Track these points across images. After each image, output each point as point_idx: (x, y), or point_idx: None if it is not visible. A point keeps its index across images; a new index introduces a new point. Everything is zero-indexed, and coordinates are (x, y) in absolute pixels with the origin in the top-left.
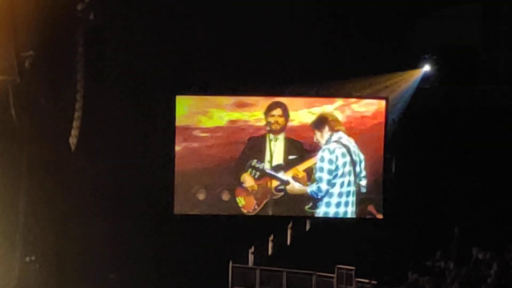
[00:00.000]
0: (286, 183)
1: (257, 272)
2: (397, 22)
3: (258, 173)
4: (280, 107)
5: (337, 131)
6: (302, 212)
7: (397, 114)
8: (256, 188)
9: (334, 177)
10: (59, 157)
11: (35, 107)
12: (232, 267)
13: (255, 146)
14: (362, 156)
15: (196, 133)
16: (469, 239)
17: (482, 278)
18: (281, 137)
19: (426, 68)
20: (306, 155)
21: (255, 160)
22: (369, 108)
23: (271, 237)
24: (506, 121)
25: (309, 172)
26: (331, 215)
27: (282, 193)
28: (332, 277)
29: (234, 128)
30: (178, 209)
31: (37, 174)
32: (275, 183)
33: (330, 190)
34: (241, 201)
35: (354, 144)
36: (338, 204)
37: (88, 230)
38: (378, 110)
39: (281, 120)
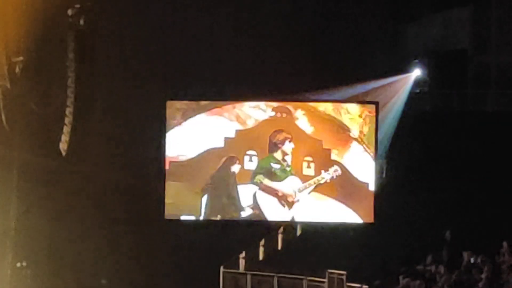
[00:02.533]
0: None
1: (248, 277)
2: (388, 26)
3: None
4: None
5: None
6: None
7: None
8: None
9: None
10: (50, 163)
11: (26, 112)
12: (223, 272)
13: None
14: None
15: None
16: (460, 243)
17: (473, 282)
18: None
19: (417, 72)
20: None
21: None
22: None
23: (262, 242)
24: (497, 126)
25: None
26: None
27: None
28: (323, 282)
29: None
30: (169, 214)
31: (28, 179)
32: None
33: None
34: None
35: None
36: None
37: (79, 235)
38: None
39: None
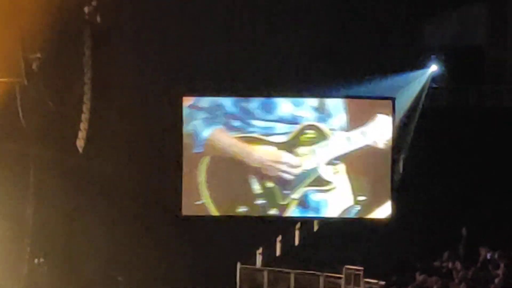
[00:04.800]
0: None
1: (265, 273)
2: (405, 22)
3: None
4: None
5: None
6: None
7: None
8: None
9: None
10: (66, 159)
11: (43, 109)
12: (240, 268)
13: None
14: None
15: None
16: (476, 239)
17: (489, 278)
18: None
19: (434, 68)
20: None
21: None
22: None
23: (279, 238)
24: None
25: None
26: None
27: None
28: (340, 278)
29: None
30: (186, 210)
31: (44, 176)
32: None
33: None
34: None
35: None
36: None
37: (96, 232)
38: None
39: None
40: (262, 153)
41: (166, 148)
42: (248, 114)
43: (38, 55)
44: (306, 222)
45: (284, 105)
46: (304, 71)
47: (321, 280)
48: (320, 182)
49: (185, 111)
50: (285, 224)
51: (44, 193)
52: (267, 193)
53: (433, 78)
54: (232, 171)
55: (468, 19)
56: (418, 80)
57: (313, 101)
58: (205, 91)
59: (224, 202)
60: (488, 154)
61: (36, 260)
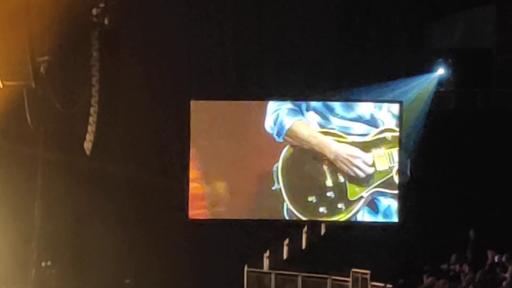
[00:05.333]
0: None
1: (272, 276)
2: (412, 25)
3: None
4: None
5: None
6: None
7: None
8: None
9: None
10: (74, 162)
11: (50, 112)
12: (247, 271)
13: None
14: None
15: None
16: (484, 242)
17: (497, 281)
18: None
19: (442, 71)
20: None
21: None
22: None
23: (286, 241)
24: None
25: None
26: None
27: None
28: (347, 281)
29: None
30: (192, 213)
31: (52, 179)
32: None
33: None
34: None
35: None
36: None
37: (104, 235)
38: None
39: None
40: (339, 147)
41: (174, 151)
42: (330, 111)
43: (46, 58)
44: (313, 226)
45: (364, 106)
46: (310, 75)
47: (328, 283)
48: (391, 185)
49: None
50: (292, 228)
51: (52, 196)
52: (337, 187)
53: (441, 82)
54: (308, 161)
55: (475, 22)
56: (426, 83)
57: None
58: (214, 94)
59: (296, 190)
60: (496, 157)
61: (43, 263)
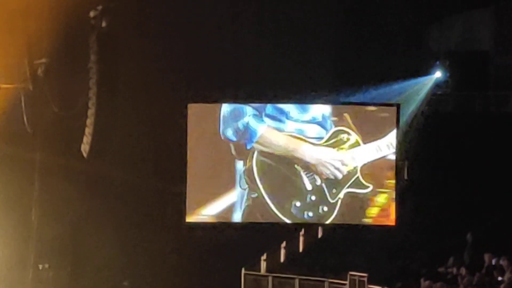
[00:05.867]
0: None
1: (270, 279)
2: (410, 28)
3: None
4: None
5: None
6: None
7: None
8: None
9: None
10: (71, 165)
11: (48, 114)
12: (244, 274)
13: None
14: None
15: None
16: (482, 245)
17: (495, 284)
18: None
19: (439, 74)
20: None
21: None
22: None
23: (283, 244)
24: None
25: None
26: None
27: None
28: (344, 284)
29: None
30: (190, 217)
31: (49, 181)
32: None
33: None
34: None
35: None
36: None
37: (101, 238)
38: None
39: None
40: (316, 150)
41: (172, 154)
42: (285, 114)
43: (44, 60)
44: (310, 228)
45: (317, 108)
46: (308, 77)
47: (326, 286)
48: (359, 184)
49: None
50: (290, 230)
51: (49, 199)
52: (317, 190)
53: (438, 84)
54: (284, 167)
55: (473, 25)
56: (423, 86)
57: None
58: (211, 98)
59: (279, 196)
60: (494, 160)
61: (40, 266)
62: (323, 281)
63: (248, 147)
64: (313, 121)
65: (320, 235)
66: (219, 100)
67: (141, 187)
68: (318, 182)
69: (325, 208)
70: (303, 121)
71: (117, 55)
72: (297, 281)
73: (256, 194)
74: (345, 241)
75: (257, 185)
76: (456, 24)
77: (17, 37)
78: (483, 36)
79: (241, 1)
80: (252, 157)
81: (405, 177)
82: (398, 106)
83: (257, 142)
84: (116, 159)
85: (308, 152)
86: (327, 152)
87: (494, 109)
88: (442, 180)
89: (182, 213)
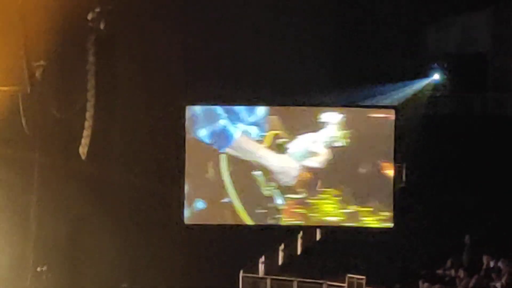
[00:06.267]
0: None
1: (268, 281)
2: (408, 30)
3: None
4: None
5: None
6: None
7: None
8: None
9: None
10: (70, 167)
11: (46, 116)
12: (243, 276)
13: None
14: None
15: None
16: (480, 247)
17: (493, 286)
18: None
19: (437, 76)
20: None
21: None
22: None
23: (282, 247)
24: None
25: None
26: None
27: None
28: (343, 286)
29: None
30: (188, 218)
31: (48, 183)
32: None
33: None
34: None
35: None
36: None
37: (100, 239)
38: None
39: None
40: (279, 159)
41: (169, 156)
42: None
43: (42, 62)
44: (308, 231)
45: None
46: (305, 80)
47: None
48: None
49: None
50: (288, 233)
51: (48, 200)
52: (279, 196)
53: (436, 86)
54: (251, 172)
55: (471, 27)
56: (421, 88)
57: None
58: (209, 100)
59: (247, 202)
60: (492, 162)
61: (39, 268)
62: (321, 283)
63: (221, 151)
64: (254, 123)
65: (318, 237)
66: (217, 103)
67: (140, 189)
68: (277, 189)
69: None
70: (249, 123)
71: (115, 57)
72: (295, 284)
73: (227, 200)
74: (344, 244)
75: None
76: (455, 26)
77: (15, 39)
78: (481, 38)
79: (239, 4)
80: (219, 161)
81: (403, 179)
82: (396, 109)
83: (230, 146)
84: (114, 161)
85: (276, 161)
86: (289, 160)
87: (492, 111)
88: (440, 182)
89: (181, 215)
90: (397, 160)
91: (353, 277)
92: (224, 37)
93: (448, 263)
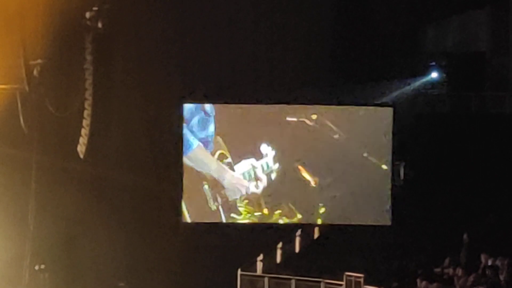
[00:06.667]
0: None
1: (266, 280)
2: (406, 28)
3: None
4: None
5: None
6: None
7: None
8: None
9: None
10: (67, 165)
11: (44, 115)
12: (241, 275)
13: None
14: None
15: None
16: (478, 245)
17: (491, 284)
18: None
19: (435, 74)
20: None
21: None
22: None
23: (280, 245)
24: None
25: None
26: None
27: None
28: (341, 285)
29: None
30: (186, 217)
31: (46, 182)
32: None
33: None
34: None
35: None
36: None
37: (97, 238)
38: None
39: None
40: (231, 176)
41: (167, 154)
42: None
43: (39, 61)
44: (306, 229)
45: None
46: (303, 78)
47: (322, 286)
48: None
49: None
50: (286, 231)
51: (45, 199)
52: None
53: (434, 85)
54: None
55: (470, 25)
56: (419, 86)
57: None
58: (205, 98)
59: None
60: (490, 161)
61: (36, 267)
62: (319, 282)
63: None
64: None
65: (316, 235)
66: (213, 101)
67: (138, 187)
68: (219, 203)
69: None
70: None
71: (113, 56)
72: (293, 282)
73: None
74: (341, 242)
75: None
76: (453, 25)
77: (13, 37)
78: (480, 36)
79: (236, 2)
80: None
81: (401, 177)
82: (394, 108)
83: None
84: (112, 160)
85: (228, 177)
86: (239, 178)
87: (490, 109)
88: (438, 180)
89: (179, 214)
90: (395, 158)
91: (351, 276)
92: (223, 35)
93: (446, 261)
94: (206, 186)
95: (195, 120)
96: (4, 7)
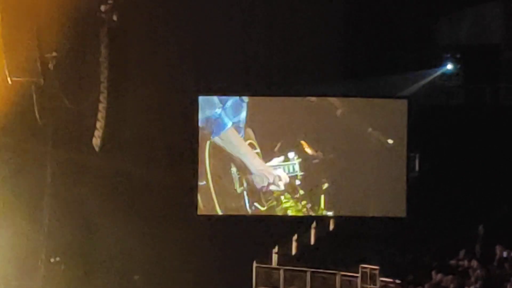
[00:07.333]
0: None
1: (281, 272)
2: (420, 21)
3: None
4: None
5: None
6: None
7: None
8: None
9: None
10: (83, 158)
11: (59, 108)
12: (256, 267)
13: None
14: None
15: None
16: (493, 237)
17: (506, 276)
18: None
19: (450, 66)
20: None
21: None
22: None
23: (295, 237)
24: None
25: None
26: None
27: None
28: (356, 277)
29: None
30: (201, 209)
31: (61, 175)
32: None
33: None
34: None
35: None
36: None
37: (112, 231)
38: None
39: None
40: (259, 162)
41: (182, 147)
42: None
43: (55, 54)
44: (322, 221)
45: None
46: (317, 71)
47: (337, 279)
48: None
49: None
50: (301, 223)
51: (61, 192)
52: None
53: (449, 77)
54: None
55: (483, 18)
56: (433, 79)
57: None
58: (221, 90)
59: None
60: (505, 153)
61: (52, 259)
62: (335, 274)
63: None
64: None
65: (331, 227)
66: (228, 93)
67: (153, 180)
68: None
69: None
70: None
71: (128, 48)
72: (308, 274)
73: (204, 182)
74: (357, 234)
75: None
76: (467, 17)
77: (28, 31)
78: (494, 29)
79: None
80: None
81: (416, 169)
82: (408, 100)
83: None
84: (127, 152)
85: (256, 163)
86: (267, 166)
87: (504, 102)
88: (453, 173)
89: (194, 206)
90: (410, 150)
91: (366, 268)
92: (237, 28)
93: (461, 253)
94: (234, 169)
95: (229, 103)
96: (19, 0)
